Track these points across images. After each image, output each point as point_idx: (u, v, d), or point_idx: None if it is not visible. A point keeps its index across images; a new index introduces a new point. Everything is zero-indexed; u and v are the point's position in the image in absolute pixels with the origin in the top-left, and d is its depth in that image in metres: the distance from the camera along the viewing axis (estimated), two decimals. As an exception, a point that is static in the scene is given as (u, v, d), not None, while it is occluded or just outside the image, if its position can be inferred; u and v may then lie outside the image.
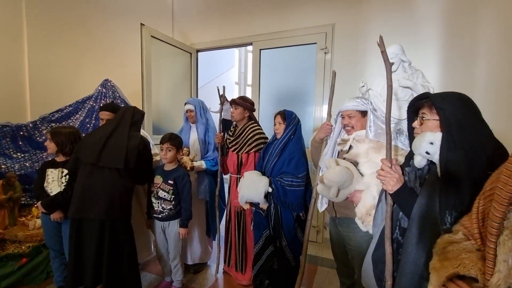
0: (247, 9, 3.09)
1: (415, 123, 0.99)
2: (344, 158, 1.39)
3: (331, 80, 1.59)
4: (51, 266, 1.91)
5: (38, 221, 2.05)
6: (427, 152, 0.90)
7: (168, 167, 1.90)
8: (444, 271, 0.68)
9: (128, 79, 2.90)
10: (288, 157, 1.75)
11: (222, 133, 2.14)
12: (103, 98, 2.41)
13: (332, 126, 1.55)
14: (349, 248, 1.44)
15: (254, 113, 2.16)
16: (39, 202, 1.71)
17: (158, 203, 1.85)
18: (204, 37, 3.38)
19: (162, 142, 1.87)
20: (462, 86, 2.02)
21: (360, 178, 1.30)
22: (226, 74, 7.87)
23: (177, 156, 1.93)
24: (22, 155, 2.16)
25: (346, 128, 1.45)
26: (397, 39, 1.78)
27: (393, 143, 1.15)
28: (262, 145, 1.99)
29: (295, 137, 1.79)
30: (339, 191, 1.29)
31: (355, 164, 1.34)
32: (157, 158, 2.16)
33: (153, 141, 2.36)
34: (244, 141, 2.03)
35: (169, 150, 1.85)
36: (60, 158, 1.81)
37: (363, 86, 1.71)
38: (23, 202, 2.17)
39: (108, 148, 1.61)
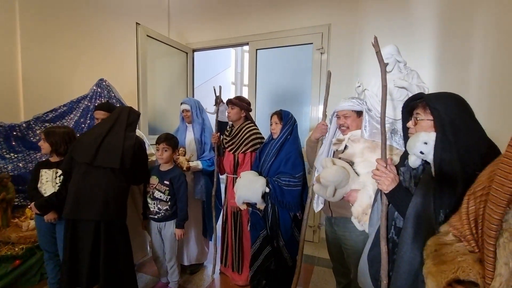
0: (243, 9, 3.09)
1: (410, 123, 1.00)
2: (339, 158, 1.40)
3: (326, 81, 1.60)
4: (45, 268, 1.89)
5: (32, 223, 2.02)
6: (421, 152, 0.90)
7: (164, 167, 1.89)
8: (443, 276, 0.66)
9: (124, 79, 2.87)
10: (285, 157, 1.75)
11: (218, 133, 2.14)
12: (98, 98, 2.39)
13: (327, 126, 1.56)
14: (345, 248, 1.45)
15: (250, 113, 2.16)
16: (33, 203, 1.69)
17: (154, 203, 1.84)
18: (200, 37, 3.37)
19: (158, 142, 1.86)
20: (457, 87, 2.05)
21: (356, 178, 1.31)
22: (223, 74, 7.85)
23: (173, 156, 1.92)
24: (16, 155, 2.13)
25: (342, 128, 1.45)
26: (392, 39, 1.80)
27: (388, 142, 1.16)
28: (258, 145, 1.99)
29: (291, 137, 1.79)
30: (336, 190, 1.30)
31: (351, 163, 1.35)
32: (153, 158, 2.14)
33: (149, 141, 2.35)
34: (241, 141, 2.03)
35: (165, 150, 1.84)
36: (54, 159, 1.79)
37: (359, 86, 1.72)
38: (16, 203, 2.14)
39: (104, 148, 1.60)
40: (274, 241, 1.76)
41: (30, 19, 2.30)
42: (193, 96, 3.43)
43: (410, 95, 1.24)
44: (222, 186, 2.25)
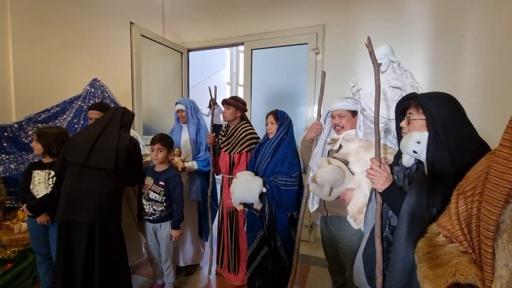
0: (238, 9, 3.08)
1: (403, 123, 1.01)
2: (334, 157, 1.41)
3: (321, 80, 1.61)
4: (37, 271, 1.86)
5: (24, 225, 1.99)
6: (414, 151, 0.91)
7: (159, 168, 1.88)
8: (442, 281, 0.64)
9: (118, 79, 2.85)
10: (282, 157, 1.76)
11: (213, 133, 2.13)
12: (91, 98, 2.36)
13: (322, 125, 1.56)
14: (340, 247, 1.46)
15: (246, 113, 2.15)
16: (25, 205, 1.66)
17: (149, 204, 1.83)
18: (195, 37, 3.36)
19: (152, 143, 1.84)
20: (449, 86, 2.08)
21: (351, 177, 1.31)
22: (218, 74, 7.82)
23: (168, 157, 1.91)
24: (7, 156, 2.10)
25: (337, 127, 1.46)
26: (386, 40, 1.82)
27: (381, 142, 1.17)
28: (254, 145, 1.99)
29: (287, 137, 1.80)
30: (332, 190, 1.31)
31: (346, 163, 1.36)
32: (148, 159, 2.13)
33: (144, 141, 2.33)
34: (236, 141, 2.02)
35: (160, 151, 1.83)
36: (47, 159, 1.76)
37: (354, 86, 1.73)
38: (8, 205, 2.11)
39: (98, 148, 1.58)
40: (272, 241, 1.76)
41: (21, 19, 2.26)
42: (188, 96, 3.42)
43: (404, 94, 1.25)
44: (218, 187, 2.25)
